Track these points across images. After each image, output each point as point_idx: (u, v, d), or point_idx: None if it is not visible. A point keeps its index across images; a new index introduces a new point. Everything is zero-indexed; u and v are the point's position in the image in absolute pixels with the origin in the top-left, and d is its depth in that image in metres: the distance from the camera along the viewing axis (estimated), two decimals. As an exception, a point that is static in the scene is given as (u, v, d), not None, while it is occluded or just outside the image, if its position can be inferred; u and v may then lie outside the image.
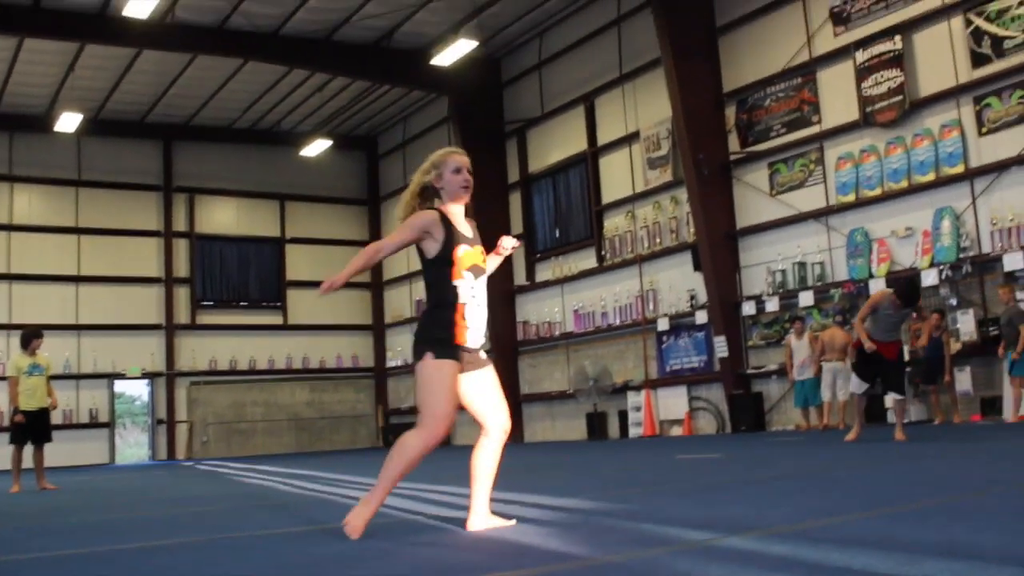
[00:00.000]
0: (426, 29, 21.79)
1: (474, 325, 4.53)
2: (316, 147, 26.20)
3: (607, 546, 3.78)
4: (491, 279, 18.54)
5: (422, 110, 27.27)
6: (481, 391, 4.59)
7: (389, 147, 29.26)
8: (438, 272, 4.54)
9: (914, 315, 13.40)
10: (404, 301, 28.49)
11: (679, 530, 4.08)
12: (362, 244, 29.29)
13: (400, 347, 28.44)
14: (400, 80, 23.89)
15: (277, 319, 28.12)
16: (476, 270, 4.58)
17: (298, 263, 28.44)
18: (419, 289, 27.54)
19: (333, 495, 8.00)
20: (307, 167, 27.90)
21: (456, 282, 4.51)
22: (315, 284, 27.93)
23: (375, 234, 29.68)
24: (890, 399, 12.56)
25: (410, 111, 27.66)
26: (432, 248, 4.54)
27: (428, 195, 4.72)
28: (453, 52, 20.16)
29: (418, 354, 4.46)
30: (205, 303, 27.32)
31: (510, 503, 5.92)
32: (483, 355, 4.61)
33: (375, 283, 29.45)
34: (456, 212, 4.68)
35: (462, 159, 4.71)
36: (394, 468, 4.46)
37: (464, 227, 4.66)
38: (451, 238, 4.53)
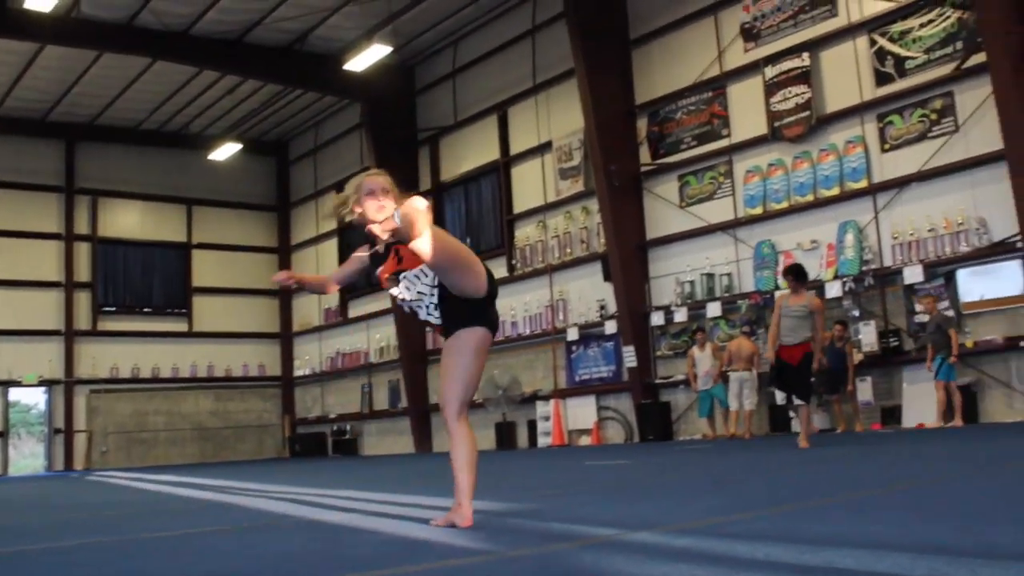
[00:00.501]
0: (340, 34, 21.62)
1: (409, 298, 4.45)
2: (225, 151, 25.77)
3: (513, 542, 3.73)
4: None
5: (334, 116, 27.04)
6: None
7: (300, 153, 28.95)
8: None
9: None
10: (312, 310, 28.17)
11: (586, 527, 4.05)
12: (271, 251, 29.01)
13: (308, 356, 28.10)
14: (312, 85, 23.65)
15: (182, 326, 27.52)
16: (395, 276, 4.43)
17: (204, 269, 27.90)
18: (328, 297, 27.30)
19: (232, 502, 7.82)
20: (215, 171, 27.41)
21: (393, 291, 4.46)
22: (222, 291, 27.69)
23: (284, 241, 29.33)
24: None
25: (322, 117, 27.41)
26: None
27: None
28: (367, 58, 20.02)
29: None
30: (107, 309, 26.60)
31: (420, 506, 5.84)
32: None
33: (283, 291, 29.03)
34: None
35: (372, 181, 4.57)
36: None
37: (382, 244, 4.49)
38: (374, 265, 4.56)
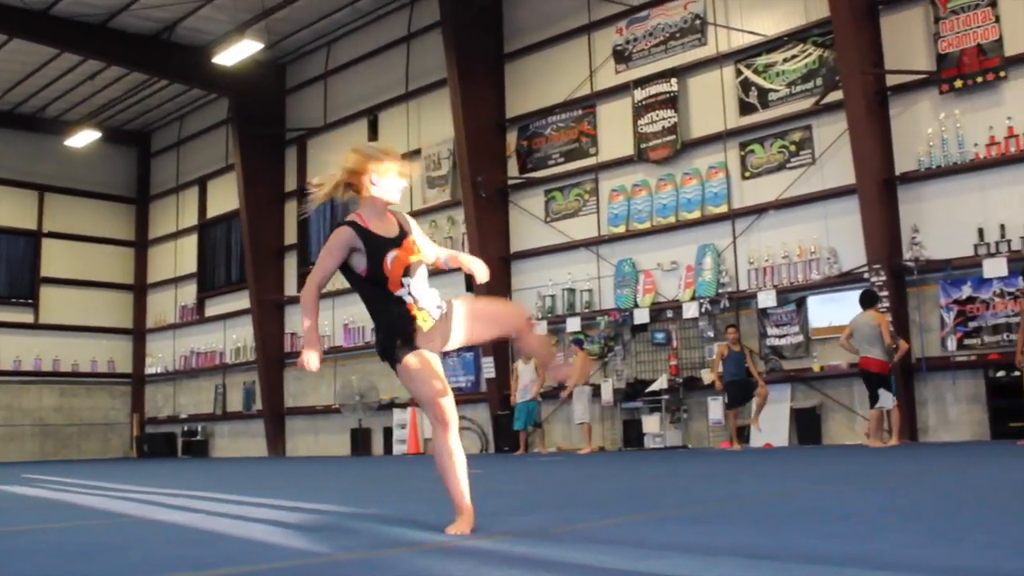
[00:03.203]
0: (210, 26, 21.13)
1: (427, 307, 4.10)
2: (83, 138, 24.80)
3: (348, 545, 3.67)
4: (260, 291, 18.08)
5: (201, 109, 26.40)
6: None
7: (163, 145, 28.15)
8: (376, 290, 4.10)
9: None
10: (168, 306, 27.38)
11: (424, 533, 4.01)
12: (127, 244, 28.08)
13: (161, 353, 27.30)
14: (179, 76, 23.01)
15: (27, 317, 26.34)
16: (411, 268, 4.11)
17: (55, 259, 26.81)
18: (184, 294, 26.63)
19: (68, 500, 7.52)
20: (72, 158, 26.38)
21: (399, 293, 4.07)
22: (72, 282, 26.68)
23: (142, 235, 28.45)
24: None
25: (188, 109, 26.72)
26: (360, 263, 4.08)
27: (347, 190, 4.20)
28: (237, 52, 19.57)
29: (393, 362, 4.11)
30: (-55, 295, 25.33)
31: (265, 507, 5.71)
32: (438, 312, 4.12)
33: (138, 285, 28.18)
34: (374, 214, 4.14)
35: (403, 167, 4.20)
36: (445, 471, 4.12)
37: (384, 227, 4.14)
38: (375, 250, 4.05)
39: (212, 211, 26.23)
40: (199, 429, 25.55)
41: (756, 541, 3.23)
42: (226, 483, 9.97)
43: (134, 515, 5.66)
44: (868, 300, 12.62)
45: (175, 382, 26.93)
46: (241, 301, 24.16)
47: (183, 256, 26.93)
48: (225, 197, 25.22)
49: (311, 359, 4.02)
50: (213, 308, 25.92)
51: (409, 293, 4.06)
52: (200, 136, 26.59)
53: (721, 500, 5.27)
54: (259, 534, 4.15)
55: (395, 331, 4.06)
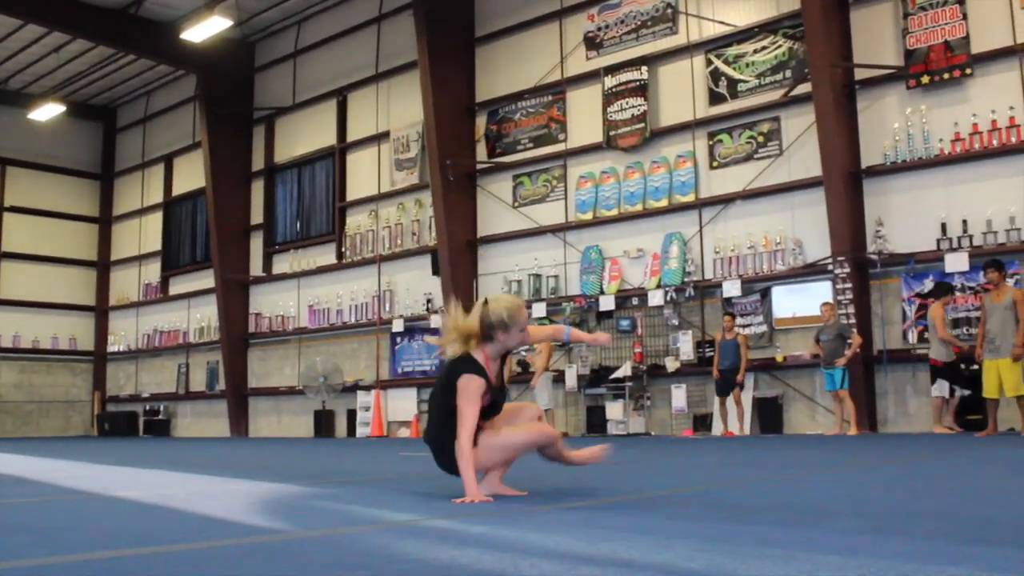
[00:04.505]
0: (179, 2, 20.96)
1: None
2: (47, 111, 24.52)
3: (309, 523, 3.67)
4: (225, 270, 18.02)
5: (168, 86, 26.18)
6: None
7: (129, 121, 27.89)
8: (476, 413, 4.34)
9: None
10: (132, 284, 27.18)
11: (385, 512, 4.02)
12: (91, 220, 27.82)
13: (124, 331, 27.09)
14: (147, 51, 22.78)
15: (-12, 292, 26.08)
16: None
17: (16, 234, 26.53)
18: (149, 272, 26.45)
19: (24, 476, 7.47)
20: (35, 132, 26.10)
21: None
22: (34, 258, 26.40)
23: (106, 211, 28.18)
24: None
25: (155, 85, 26.48)
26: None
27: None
28: (205, 29, 19.41)
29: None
30: (-96, 268, 24.99)
31: (225, 485, 5.69)
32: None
33: (101, 262, 27.93)
34: (495, 354, 4.51)
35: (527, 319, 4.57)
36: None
37: (494, 367, 4.53)
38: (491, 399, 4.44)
39: (178, 189, 26.03)
40: (161, 408, 25.40)
41: (710, 526, 3.27)
42: (187, 462, 9.93)
43: (91, 491, 5.63)
44: (933, 292, 13.18)
45: (137, 360, 26.74)
46: (206, 280, 24.01)
47: (148, 233, 26.71)
48: (191, 175, 25.03)
49: (471, 498, 4.16)
50: (177, 286, 25.75)
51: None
52: (167, 113, 26.37)
53: (678, 487, 5.32)
54: (219, 511, 4.15)
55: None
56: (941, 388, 12.47)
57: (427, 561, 2.58)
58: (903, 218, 14.05)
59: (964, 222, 13.42)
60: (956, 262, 13.31)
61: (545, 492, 4.65)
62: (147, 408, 25.76)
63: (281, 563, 2.61)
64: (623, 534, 3.04)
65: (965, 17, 13.71)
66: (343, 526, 3.53)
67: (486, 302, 4.47)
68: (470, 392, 4.23)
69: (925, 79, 13.99)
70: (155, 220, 26.63)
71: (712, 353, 15.00)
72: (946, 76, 13.82)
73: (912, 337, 13.83)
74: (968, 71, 13.67)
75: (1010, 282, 12.09)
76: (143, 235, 26.90)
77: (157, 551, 2.86)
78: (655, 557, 2.54)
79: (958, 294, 13.38)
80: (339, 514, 4.04)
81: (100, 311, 27.91)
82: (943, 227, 13.62)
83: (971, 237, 13.37)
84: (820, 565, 2.34)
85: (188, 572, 2.47)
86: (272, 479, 6.31)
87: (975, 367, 12.05)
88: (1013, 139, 13.18)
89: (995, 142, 13.34)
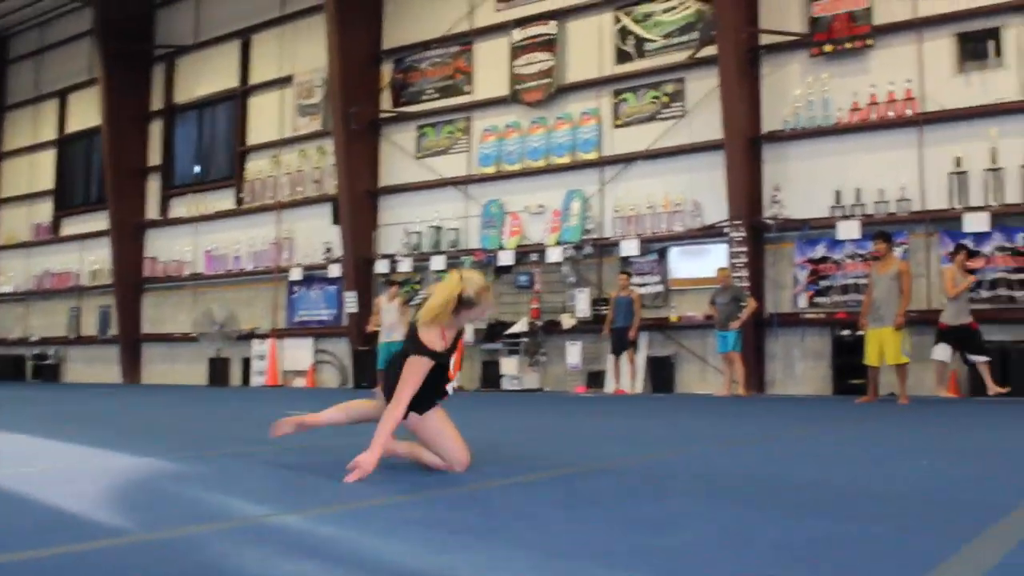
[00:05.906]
0: (73, -70, 20.06)
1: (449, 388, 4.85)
2: (-68, 40, 23.42)
3: (157, 518, 3.54)
4: (120, 212, 17.59)
5: (64, 18, 25.21)
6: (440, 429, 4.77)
7: (21, 52, 26.82)
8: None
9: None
10: (20, 223, 26.30)
11: (242, 502, 3.91)
12: (-22, 155, 26.74)
13: (12, 272, 26.23)
14: (40, -21, 21.84)
15: None
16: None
17: None
18: (39, 211, 25.62)
19: None
20: (-82, 61, 24.92)
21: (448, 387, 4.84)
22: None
23: (-5, 146, 27.13)
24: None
25: (50, 16, 25.49)
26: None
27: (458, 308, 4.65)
28: (101, -40, 18.65)
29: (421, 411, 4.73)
30: None
31: (90, 458, 5.50)
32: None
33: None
34: (455, 324, 4.73)
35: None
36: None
37: (453, 333, 4.75)
38: (444, 365, 4.70)
39: (72, 126, 25.16)
40: (51, 353, 24.73)
41: (565, 526, 3.25)
42: (65, 417, 9.65)
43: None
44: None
45: (27, 303, 25.95)
46: (100, 222, 23.34)
47: (39, 172, 25.82)
48: (87, 112, 24.21)
49: (365, 461, 4.31)
50: (70, 228, 25.00)
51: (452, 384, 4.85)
52: (62, 46, 25.42)
53: (553, 467, 5.29)
54: (69, 501, 3.94)
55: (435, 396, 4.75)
56: (943, 352, 11.81)
57: (258, 580, 2.49)
58: (799, 185, 14.23)
59: (857, 191, 13.64)
60: (848, 230, 13.54)
61: (416, 479, 4.58)
62: (36, 352, 25.07)
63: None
64: (470, 539, 2.98)
65: (868, -13, 13.84)
66: (190, 524, 3.40)
67: (462, 278, 4.67)
68: (416, 371, 4.52)
69: (828, 48, 14.11)
70: (47, 158, 25.74)
71: (607, 311, 15.01)
72: (848, 46, 13.95)
73: (803, 302, 14.08)
74: (869, 42, 13.82)
75: (897, 252, 12.34)
76: (34, 173, 25.99)
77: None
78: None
79: (847, 260, 13.63)
80: (193, 505, 3.90)
81: (-12, 251, 26.98)
82: (837, 195, 13.84)
83: (863, 206, 13.60)
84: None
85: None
86: (142, 451, 6.10)
87: (860, 334, 12.24)
88: (909, 111, 13.40)
89: (891, 114, 13.55)
